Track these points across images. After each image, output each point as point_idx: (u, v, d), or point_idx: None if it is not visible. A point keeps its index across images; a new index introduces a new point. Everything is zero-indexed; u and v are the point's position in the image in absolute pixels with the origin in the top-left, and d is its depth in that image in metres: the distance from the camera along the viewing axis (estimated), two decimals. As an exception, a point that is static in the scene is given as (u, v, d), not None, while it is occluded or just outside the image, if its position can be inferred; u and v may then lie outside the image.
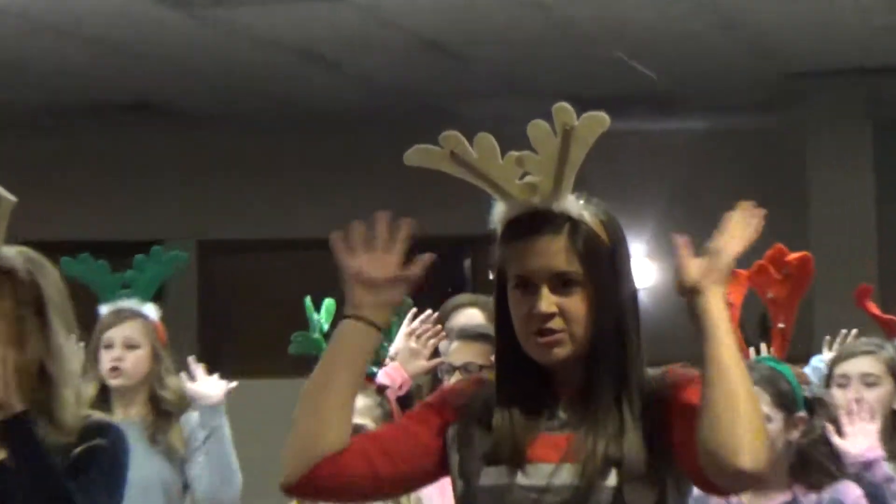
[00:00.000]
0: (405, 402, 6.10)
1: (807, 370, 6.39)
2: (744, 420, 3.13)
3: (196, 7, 10.28)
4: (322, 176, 14.88)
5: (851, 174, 13.37)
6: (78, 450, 3.74)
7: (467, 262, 14.30)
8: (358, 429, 4.33)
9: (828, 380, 6.00)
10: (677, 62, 12.20)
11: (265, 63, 12.30)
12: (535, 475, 3.31)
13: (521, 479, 3.33)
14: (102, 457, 3.86)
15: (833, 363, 6.05)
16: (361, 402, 5.18)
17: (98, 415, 4.07)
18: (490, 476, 3.33)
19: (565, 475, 3.27)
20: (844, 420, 5.48)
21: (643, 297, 14.17)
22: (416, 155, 3.31)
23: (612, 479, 3.27)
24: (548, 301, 3.26)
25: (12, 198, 3.80)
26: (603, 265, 3.33)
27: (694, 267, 3.18)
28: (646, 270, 13.89)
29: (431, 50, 11.61)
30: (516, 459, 3.33)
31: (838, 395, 5.67)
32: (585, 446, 3.27)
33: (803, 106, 13.56)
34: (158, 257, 7.08)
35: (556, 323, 3.28)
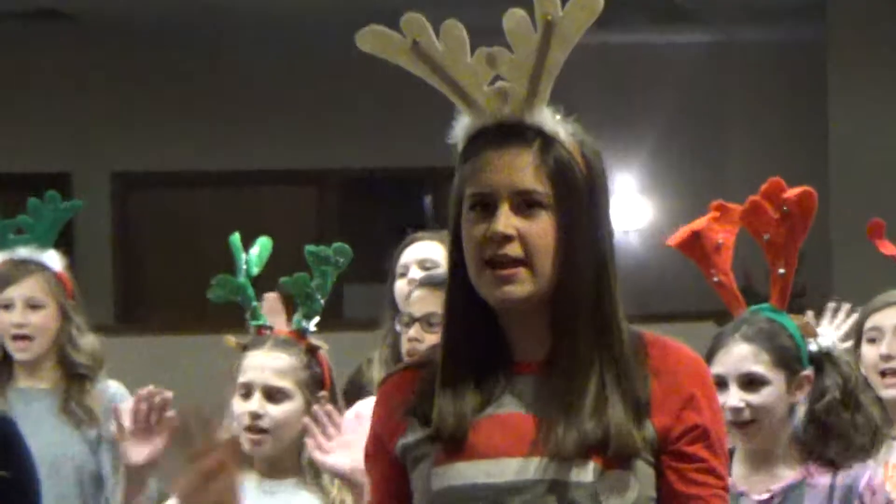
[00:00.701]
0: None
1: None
2: None
3: None
4: (259, 99, 14.75)
5: (878, 95, 13.42)
6: None
7: (428, 199, 13.97)
8: (280, 391, 5.09)
9: (858, 337, 5.78)
10: None
11: None
12: (497, 472, 3.14)
13: (480, 475, 3.15)
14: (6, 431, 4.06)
15: (864, 315, 5.77)
16: (286, 361, 5.21)
17: None
18: (441, 478, 3.12)
19: (532, 466, 3.10)
20: (875, 380, 5.53)
21: (635, 238, 14.60)
22: (371, 38, 3.11)
23: (586, 471, 3.07)
24: (506, 221, 3.06)
25: None
26: (576, 192, 3.12)
27: None
28: (639, 208, 14.10)
29: None
30: (459, 442, 3.10)
31: (868, 353, 5.60)
32: (556, 432, 3.09)
33: (823, 15, 13.72)
34: (55, 201, 6.84)
35: (513, 249, 3.07)
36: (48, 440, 6.13)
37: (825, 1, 13.63)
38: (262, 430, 5.17)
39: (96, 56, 14.83)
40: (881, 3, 13.45)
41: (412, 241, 6.34)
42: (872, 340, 5.63)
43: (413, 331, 5.49)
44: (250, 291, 5.41)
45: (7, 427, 4.19)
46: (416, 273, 6.09)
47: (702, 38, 14.86)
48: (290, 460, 5.32)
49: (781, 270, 4.97)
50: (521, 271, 3.04)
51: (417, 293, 5.66)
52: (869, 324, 5.67)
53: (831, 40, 13.86)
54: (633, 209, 14.22)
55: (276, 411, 5.15)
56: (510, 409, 3.10)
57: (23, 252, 6.53)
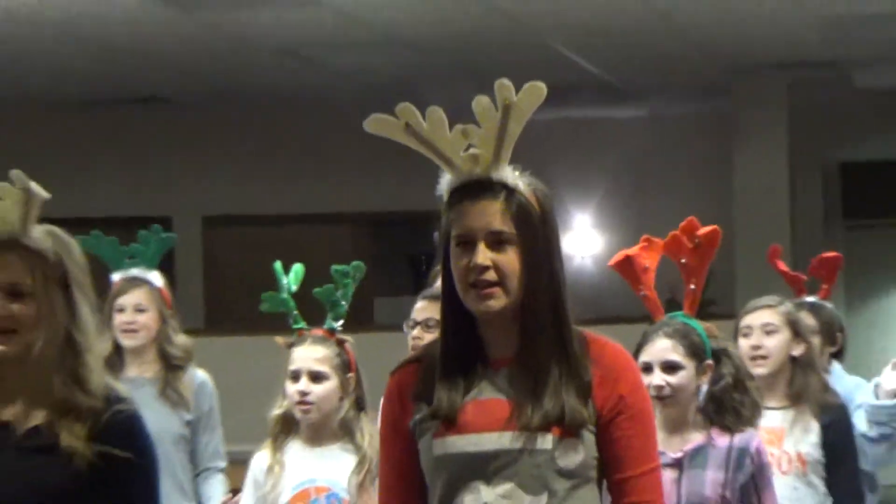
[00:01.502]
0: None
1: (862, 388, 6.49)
2: None
3: (196, 10, 10.17)
4: (303, 159, 14.68)
5: (768, 155, 13.29)
6: (106, 415, 3.54)
7: (435, 234, 13.14)
8: (320, 374, 5.21)
9: (735, 332, 5.88)
10: (623, 56, 11.94)
11: (253, 59, 12.19)
12: (483, 441, 3.28)
13: (468, 445, 3.29)
14: (135, 423, 3.77)
15: (740, 317, 5.97)
16: (322, 352, 5.34)
17: (116, 385, 4.15)
18: (442, 445, 3.28)
19: (507, 439, 3.24)
20: (748, 364, 5.42)
21: (591, 263, 14.27)
22: (375, 123, 3.23)
23: (546, 440, 3.25)
24: (484, 255, 3.20)
25: (45, 194, 3.66)
26: (533, 228, 3.28)
27: None
28: (592, 240, 14.15)
29: (396, 44, 11.44)
30: (452, 420, 3.27)
31: (742, 344, 5.69)
32: (523, 410, 3.23)
33: (731, 96, 13.59)
34: (158, 233, 6.94)
35: (490, 275, 3.22)
36: (151, 419, 5.89)
37: (729, 83, 13.37)
38: (309, 403, 5.30)
39: (186, 128, 14.73)
40: (774, 85, 13.28)
41: (435, 276, 6.54)
42: (745, 335, 5.72)
43: (416, 331, 5.58)
44: (291, 304, 5.55)
45: (134, 414, 3.69)
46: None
47: (635, 112, 14.60)
48: (330, 428, 5.41)
49: (692, 286, 4.97)
50: (497, 290, 3.16)
51: (420, 303, 5.67)
52: (742, 322, 5.78)
53: (735, 114, 13.68)
54: (588, 241, 14.41)
55: (318, 389, 5.28)
56: (489, 395, 3.22)
57: (134, 272, 6.57)
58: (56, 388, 3.51)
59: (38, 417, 3.46)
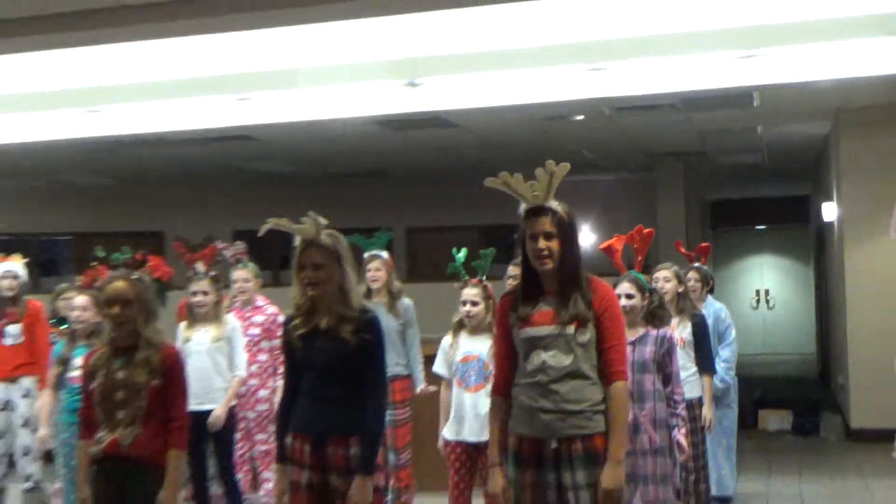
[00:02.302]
0: None
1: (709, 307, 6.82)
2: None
3: (400, 130, 9.98)
4: (458, 197, 13.36)
5: (674, 198, 13.57)
6: (361, 319, 4.14)
7: (515, 236, 6.81)
8: (475, 302, 5.43)
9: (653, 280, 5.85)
10: (596, 146, 11.60)
11: (447, 150, 11.43)
12: (541, 330, 3.71)
13: (535, 332, 3.72)
14: (376, 322, 4.24)
15: (654, 272, 6.19)
16: (477, 290, 5.56)
17: (367, 304, 4.40)
18: (523, 332, 3.76)
19: (553, 328, 3.69)
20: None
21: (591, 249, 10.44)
22: (490, 182, 3.77)
23: (571, 329, 3.70)
24: (542, 243, 3.60)
25: (324, 221, 4.13)
26: (565, 229, 3.64)
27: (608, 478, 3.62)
28: (587, 238, 13.33)
29: (498, 146, 10.65)
30: (526, 320, 3.71)
31: (659, 286, 5.93)
32: (563, 312, 3.69)
33: (655, 170, 13.65)
34: (383, 233, 6.94)
35: (545, 253, 3.59)
36: (384, 321, 5.34)
37: (652, 163, 13.29)
38: (471, 316, 5.66)
39: (404, 190, 14.37)
40: (675, 163, 13.19)
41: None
42: (657, 282, 6.03)
43: (510, 280, 5.82)
44: (462, 270, 5.81)
45: (375, 318, 4.23)
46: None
47: (599, 177, 13.87)
48: (481, 326, 5.67)
49: (639, 258, 5.32)
50: (548, 260, 3.62)
51: (511, 267, 5.92)
52: (655, 275, 6.06)
53: (657, 181, 13.75)
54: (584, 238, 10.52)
55: (475, 309, 5.61)
56: (543, 308, 3.71)
57: (374, 252, 6.71)
58: (338, 308, 4.10)
59: (332, 322, 4.10)
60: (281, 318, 5.73)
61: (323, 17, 5.27)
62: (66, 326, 6.35)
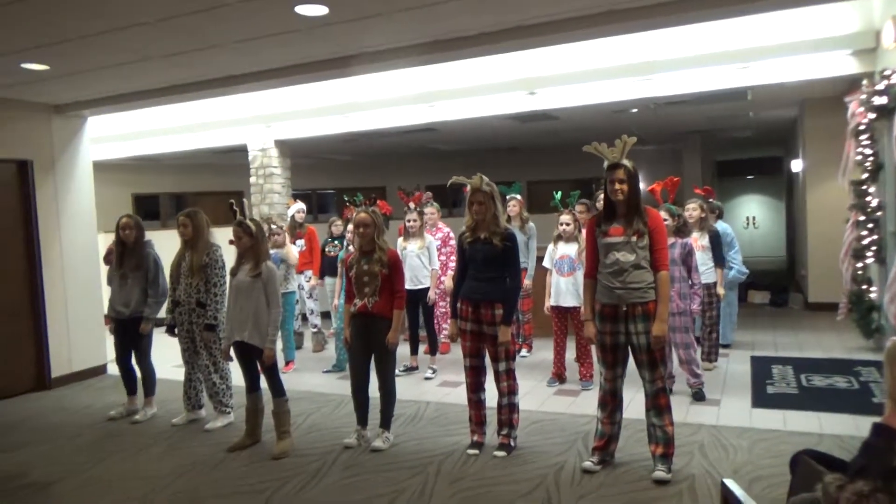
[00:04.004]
0: None
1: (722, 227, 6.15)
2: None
3: (526, 122, 8.84)
4: (557, 162, 12.32)
5: (694, 165, 12.09)
6: (506, 233, 3.85)
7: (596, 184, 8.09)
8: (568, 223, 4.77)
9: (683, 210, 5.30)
10: (645, 128, 9.98)
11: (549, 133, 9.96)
12: (615, 239, 3.50)
13: (612, 240, 3.51)
14: (513, 235, 3.90)
15: (686, 204, 5.74)
16: (566, 217, 5.18)
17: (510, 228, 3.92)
18: (604, 240, 3.53)
19: (623, 238, 3.47)
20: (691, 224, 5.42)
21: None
22: (587, 148, 3.58)
23: (634, 238, 3.45)
24: (618, 185, 3.44)
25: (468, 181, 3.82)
26: (632, 177, 3.47)
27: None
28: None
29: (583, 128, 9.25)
30: (605, 232, 3.52)
31: (686, 214, 5.49)
32: (629, 228, 3.47)
33: (682, 142, 12.15)
34: (516, 184, 6.55)
35: (620, 188, 3.42)
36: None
37: (680, 138, 11.80)
38: (569, 232, 5.25)
39: (519, 159, 12.81)
40: (694, 138, 11.75)
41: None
42: (686, 210, 5.59)
43: (599, 203, 5.19)
44: (559, 205, 5.42)
45: (513, 234, 3.89)
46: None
47: (648, 147, 12.27)
48: (572, 236, 5.24)
49: (672, 196, 5.05)
50: (621, 195, 3.44)
51: (563, 217, 5.35)
52: (686, 206, 5.69)
53: (683, 149, 12.36)
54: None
55: (566, 229, 5.25)
56: (617, 225, 3.51)
57: (511, 194, 6.13)
58: (491, 226, 3.76)
59: (487, 235, 3.79)
60: (453, 234, 5.77)
61: (478, 53, 4.94)
62: (335, 241, 6.61)
